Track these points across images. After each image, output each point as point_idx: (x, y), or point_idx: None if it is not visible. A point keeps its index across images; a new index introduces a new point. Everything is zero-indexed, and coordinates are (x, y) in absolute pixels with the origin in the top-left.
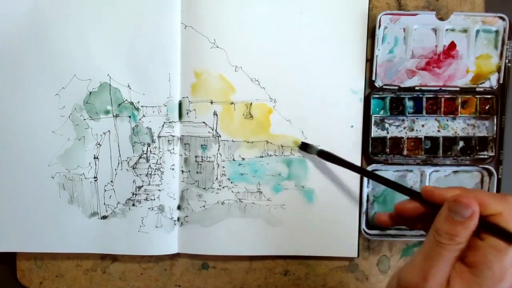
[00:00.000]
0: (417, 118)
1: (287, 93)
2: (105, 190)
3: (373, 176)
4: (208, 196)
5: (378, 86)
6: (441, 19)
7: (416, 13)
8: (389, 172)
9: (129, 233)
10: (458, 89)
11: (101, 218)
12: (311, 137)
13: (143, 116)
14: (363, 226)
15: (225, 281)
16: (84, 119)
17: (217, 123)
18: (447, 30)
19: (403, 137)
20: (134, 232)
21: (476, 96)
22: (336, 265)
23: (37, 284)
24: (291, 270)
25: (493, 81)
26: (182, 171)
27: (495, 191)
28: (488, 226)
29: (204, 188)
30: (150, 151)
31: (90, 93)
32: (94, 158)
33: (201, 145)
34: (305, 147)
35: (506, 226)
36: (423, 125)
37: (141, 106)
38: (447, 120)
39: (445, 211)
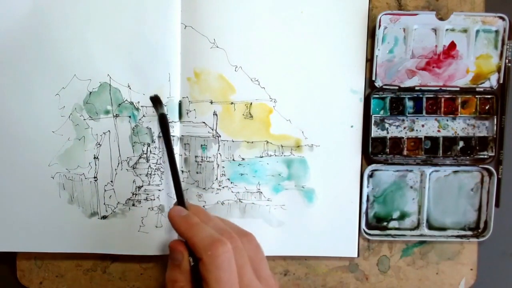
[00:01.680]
0: (417, 118)
1: (287, 93)
2: (105, 190)
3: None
4: (208, 196)
5: (378, 86)
6: (441, 19)
7: (416, 13)
8: (389, 172)
9: (129, 233)
10: (458, 89)
11: (101, 218)
12: (311, 137)
13: (143, 116)
14: (363, 226)
15: None
16: (84, 119)
17: (217, 123)
18: (447, 30)
19: (403, 137)
20: (134, 232)
21: (476, 96)
22: (336, 265)
23: (37, 284)
24: (291, 270)
25: (493, 81)
26: (182, 171)
27: (495, 191)
28: (192, 270)
29: (204, 188)
30: (150, 151)
31: (90, 93)
32: (94, 158)
33: (201, 145)
34: (155, 101)
35: (203, 274)
36: (423, 125)
37: (141, 106)
38: (447, 120)
39: (169, 260)
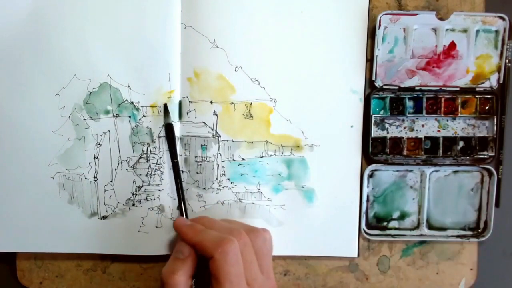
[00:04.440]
0: (417, 118)
1: (287, 93)
2: (105, 190)
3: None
4: (208, 196)
5: (378, 86)
6: (441, 19)
7: (416, 13)
8: (389, 172)
9: (129, 233)
10: (458, 89)
11: (101, 218)
12: (311, 137)
13: (143, 116)
14: (363, 226)
15: None
16: (84, 119)
17: (217, 123)
18: (447, 30)
19: (403, 137)
20: (134, 232)
21: (476, 96)
22: (336, 265)
23: (37, 284)
24: (291, 270)
25: (493, 81)
26: (182, 171)
27: (495, 191)
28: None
29: (204, 188)
30: (150, 151)
31: (90, 93)
32: (94, 158)
33: (201, 145)
34: (166, 110)
35: (213, 271)
36: (423, 125)
37: (141, 106)
38: (447, 120)
39: (172, 255)
